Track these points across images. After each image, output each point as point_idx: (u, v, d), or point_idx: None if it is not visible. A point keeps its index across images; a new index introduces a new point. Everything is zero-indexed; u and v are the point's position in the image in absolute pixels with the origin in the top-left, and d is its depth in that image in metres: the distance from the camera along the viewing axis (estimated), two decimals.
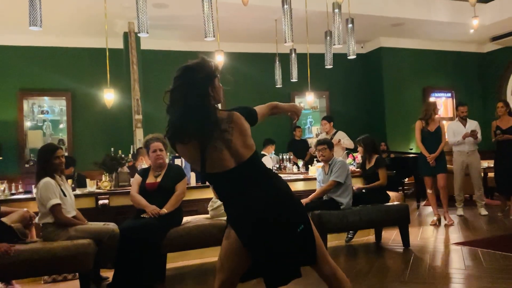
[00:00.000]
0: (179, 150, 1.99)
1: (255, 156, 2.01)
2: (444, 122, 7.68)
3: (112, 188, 4.55)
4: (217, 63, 2.11)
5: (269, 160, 6.70)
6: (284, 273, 1.98)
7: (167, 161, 4.25)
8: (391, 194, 5.38)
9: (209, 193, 4.64)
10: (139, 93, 7.06)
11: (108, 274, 3.88)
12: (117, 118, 7.69)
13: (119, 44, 7.58)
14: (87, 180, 4.56)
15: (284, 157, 7.25)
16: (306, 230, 1.95)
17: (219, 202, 4.21)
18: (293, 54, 6.95)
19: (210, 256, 4.50)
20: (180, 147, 1.96)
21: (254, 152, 2.01)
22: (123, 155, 4.96)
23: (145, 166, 4.54)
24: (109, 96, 5.69)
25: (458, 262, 4.05)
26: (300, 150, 8.03)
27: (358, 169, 5.63)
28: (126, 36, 7.28)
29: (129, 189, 4.16)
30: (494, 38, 9.58)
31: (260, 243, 1.92)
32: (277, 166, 6.95)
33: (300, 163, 7.22)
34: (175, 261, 4.39)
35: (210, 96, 1.97)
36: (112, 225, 3.70)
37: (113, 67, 6.86)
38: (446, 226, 5.83)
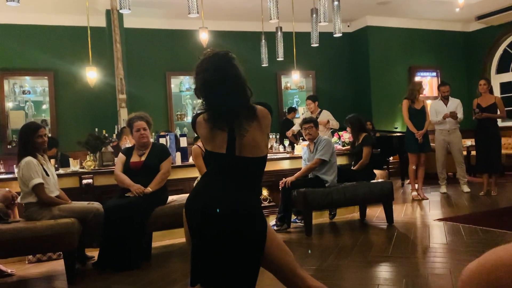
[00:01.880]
0: (204, 127, 1.88)
1: (257, 161, 1.88)
2: (429, 101, 7.74)
3: (96, 168, 4.51)
4: None
5: None
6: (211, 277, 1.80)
7: (151, 140, 4.22)
8: (376, 172, 5.44)
9: (193, 173, 4.64)
10: (123, 72, 6.94)
11: (93, 253, 3.89)
12: (101, 98, 7.58)
13: (102, 22, 7.42)
14: (70, 160, 4.51)
15: (270, 136, 7.24)
16: (251, 260, 1.78)
17: None
18: (279, 33, 6.88)
19: None
20: (209, 127, 1.86)
21: (261, 157, 1.88)
22: (106, 135, 4.90)
23: (129, 145, 4.50)
24: (91, 75, 5.58)
25: (440, 237, 4.13)
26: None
27: (344, 147, 5.71)
28: (108, 13, 7.12)
29: (114, 168, 4.12)
30: (479, 17, 9.60)
31: (202, 237, 1.79)
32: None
33: (286, 143, 7.22)
34: (161, 239, 4.40)
35: (247, 85, 1.91)
36: (96, 204, 3.68)
37: (96, 45, 6.74)
38: (418, 200, 6.15)
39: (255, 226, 1.79)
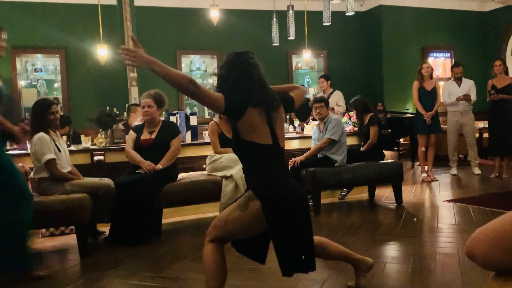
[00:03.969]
0: (249, 113, 2.03)
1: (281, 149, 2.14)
2: (442, 83, 7.63)
3: (107, 145, 4.56)
4: None
5: None
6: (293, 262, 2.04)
7: (161, 118, 4.24)
8: (386, 153, 5.42)
9: (203, 151, 4.68)
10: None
11: (105, 228, 3.96)
12: (111, 76, 7.60)
13: (113, 0, 7.39)
14: (82, 137, 4.56)
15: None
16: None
17: (216, 156, 4.25)
18: (291, 11, 6.81)
19: (205, 211, 4.58)
20: (253, 112, 2.04)
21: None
22: (117, 112, 4.94)
23: (138, 122, 4.53)
24: (102, 52, 5.60)
25: (449, 218, 4.13)
26: (302, 108, 7.94)
27: (354, 127, 5.69)
28: None
29: (124, 145, 4.17)
30: None
31: (291, 225, 2.00)
32: None
33: (296, 123, 7.20)
34: (171, 216, 4.46)
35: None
36: (107, 180, 3.73)
37: (107, 23, 6.74)
38: (427, 182, 6.12)
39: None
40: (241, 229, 2.07)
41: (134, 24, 7.16)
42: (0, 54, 3.01)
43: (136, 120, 4.86)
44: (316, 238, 2.24)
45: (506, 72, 6.36)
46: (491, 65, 6.46)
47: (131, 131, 4.11)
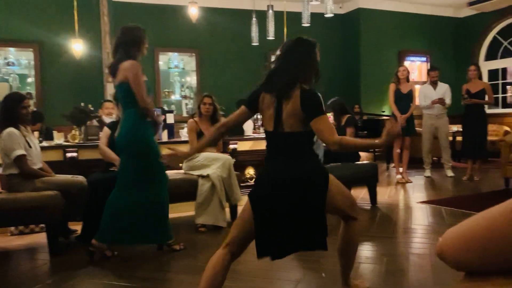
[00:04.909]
0: (261, 99, 2.15)
1: (295, 135, 2.07)
2: (418, 86, 7.76)
3: (81, 141, 4.46)
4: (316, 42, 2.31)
5: (250, 121, 6.57)
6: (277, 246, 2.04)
7: None
8: (361, 154, 5.48)
9: (181, 149, 4.61)
10: (110, 46, 6.81)
11: (77, 227, 3.87)
12: (87, 72, 7.45)
13: None
14: (55, 133, 4.45)
15: (259, 116, 7.22)
16: (313, 221, 2.06)
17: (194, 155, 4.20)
18: (270, 11, 6.80)
19: (181, 211, 4.53)
20: (264, 97, 2.14)
21: (298, 133, 2.06)
22: (92, 109, 4.84)
23: (107, 118, 4.46)
24: (77, 47, 5.48)
25: (422, 219, 4.20)
26: None
27: None
28: None
29: (98, 142, 4.08)
30: (471, 3, 9.59)
31: (265, 208, 2.01)
32: (252, 125, 6.91)
33: None
34: None
35: (301, 67, 2.17)
36: (80, 178, 3.64)
37: (83, 18, 6.60)
38: (402, 184, 6.20)
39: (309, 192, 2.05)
40: (241, 229, 2.07)
41: (111, 19, 7.04)
42: None
43: (111, 117, 4.78)
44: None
45: (480, 77, 6.51)
46: (465, 70, 6.61)
47: (105, 128, 4.03)
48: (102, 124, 4.83)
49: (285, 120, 2.06)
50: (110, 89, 6.60)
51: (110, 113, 5.41)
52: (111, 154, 3.78)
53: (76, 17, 5.35)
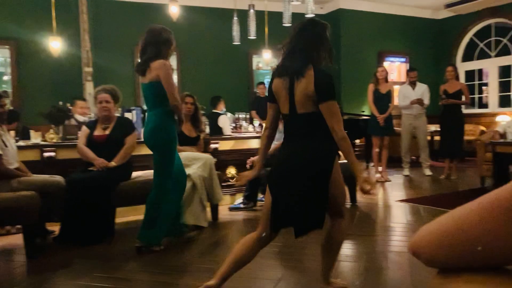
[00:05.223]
0: (274, 85, 2.24)
1: (309, 116, 2.14)
2: (397, 86, 7.87)
3: (59, 141, 4.39)
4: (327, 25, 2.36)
5: (227, 120, 6.57)
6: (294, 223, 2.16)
7: (117, 114, 4.13)
8: (341, 154, 5.52)
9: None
10: (90, 44, 6.72)
11: (54, 228, 3.81)
12: (66, 70, 7.32)
13: None
14: (32, 132, 4.36)
15: (240, 116, 7.22)
16: (313, 199, 2.13)
17: None
18: (252, 10, 6.80)
19: None
20: (276, 81, 2.23)
21: (312, 113, 2.13)
22: (70, 108, 4.76)
23: (79, 116, 4.40)
24: (55, 45, 5.38)
25: (401, 217, 4.26)
26: (264, 107, 7.86)
27: None
28: None
29: (77, 142, 4.02)
30: (448, 5, 9.77)
31: (280, 187, 2.16)
32: (233, 125, 6.91)
33: (257, 122, 7.21)
34: (125, 215, 4.35)
35: (315, 47, 2.23)
36: (58, 178, 3.58)
37: (61, 15, 6.48)
38: (381, 182, 6.27)
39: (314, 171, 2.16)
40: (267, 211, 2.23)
41: (91, 17, 6.94)
42: None
43: (76, 114, 4.72)
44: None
45: (457, 78, 6.64)
46: (443, 71, 6.73)
47: (83, 127, 3.97)
48: (78, 123, 4.76)
49: (298, 102, 2.13)
50: (89, 88, 6.50)
51: (84, 113, 5.32)
52: (90, 153, 3.73)
53: (53, 14, 5.25)
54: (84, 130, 3.91)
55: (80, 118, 5.07)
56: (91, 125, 3.93)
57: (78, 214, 3.53)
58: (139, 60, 3.32)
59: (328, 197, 2.16)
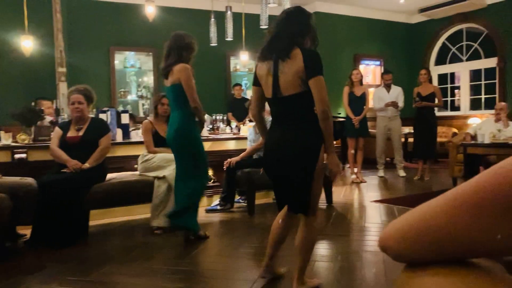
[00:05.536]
0: (257, 69, 2.35)
1: (293, 98, 2.21)
2: (372, 89, 8.00)
3: (31, 142, 4.29)
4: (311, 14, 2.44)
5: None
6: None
7: (91, 115, 4.06)
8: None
9: (135, 150, 4.53)
10: (63, 44, 6.59)
11: (26, 231, 3.71)
12: (38, 71, 7.16)
13: None
14: (1, 133, 4.25)
15: (217, 117, 7.19)
16: (301, 183, 2.26)
17: (149, 156, 4.12)
18: (229, 12, 6.80)
19: (136, 213, 4.44)
20: (260, 65, 2.33)
21: (296, 95, 2.20)
22: (43, 108, 4.66)
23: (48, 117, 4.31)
24: (27, 44, 5.26)
25: (375, 217, 4.32)
26: (240, 109, 7.86)
27: None
28: None
29: (49, 143, 3.93)
30: (422, 10, 9.98)
31: (271, 170, 2.39)
32: (210, 126, 6.88)
33: (234, 124, 7.20)
34: (100, 218, 4.28)
35: (301, 32, 2.30)
36: (30, 180, 3.50)
37: (34, 14, 6.34)
38: (356, 183, 6.34)
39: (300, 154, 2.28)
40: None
41: (65, 16, 6.81)
42: None
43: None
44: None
45: (430, 81, 6.79)
46: (417, 74, 6.87)
47: (56, 128, 3.89)
48: (54, 124, 4.66)
49: (284, 83, 2.18)
50: (62, 89, 6.37)
51: (49, 113, 5.20)
52: (63, 155, 3.66)
53: (26, 13, 5.13)
54: (57, 131, 3.83)
55: (48, 119, 4.97)
56: (64, 126, 3.86)
57: (50, 216, 3.45)
58: (163, 64, 3.44)
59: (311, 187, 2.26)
